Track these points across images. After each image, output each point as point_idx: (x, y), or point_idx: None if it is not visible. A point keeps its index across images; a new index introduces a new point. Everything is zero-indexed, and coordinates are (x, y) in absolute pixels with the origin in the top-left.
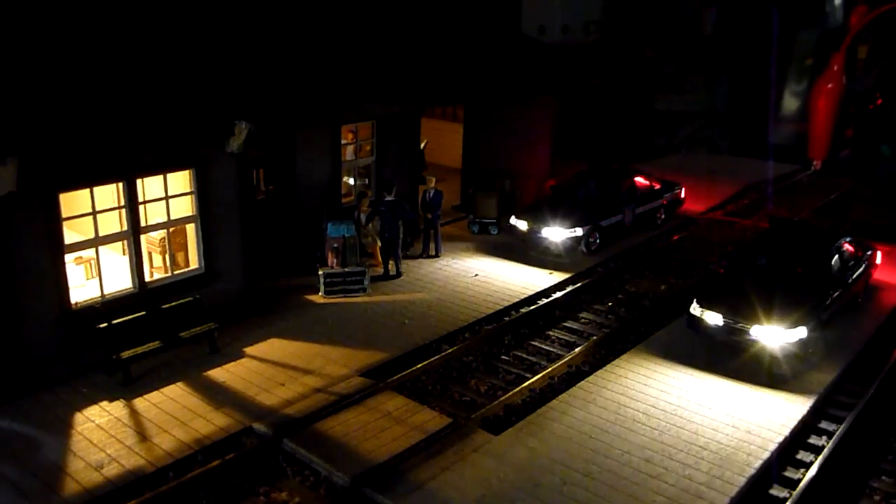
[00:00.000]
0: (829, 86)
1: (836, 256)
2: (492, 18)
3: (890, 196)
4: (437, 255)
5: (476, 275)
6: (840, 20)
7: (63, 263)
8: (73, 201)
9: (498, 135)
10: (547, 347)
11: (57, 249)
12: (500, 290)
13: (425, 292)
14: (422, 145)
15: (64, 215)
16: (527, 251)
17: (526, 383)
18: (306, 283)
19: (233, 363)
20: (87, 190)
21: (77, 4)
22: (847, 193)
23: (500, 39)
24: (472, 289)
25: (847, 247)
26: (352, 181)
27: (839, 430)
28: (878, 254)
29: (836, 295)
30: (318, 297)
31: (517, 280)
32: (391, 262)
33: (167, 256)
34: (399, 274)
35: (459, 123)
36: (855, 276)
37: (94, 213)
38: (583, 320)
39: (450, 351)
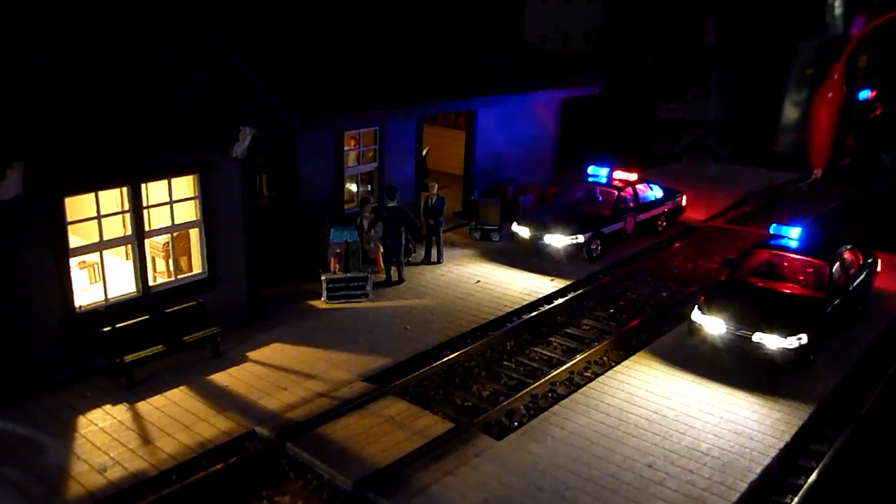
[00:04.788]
0: (830, 95)
1: (838, 264)
2: (494, 27)
3: (890, 205)
4: (439, 262)
5: (478, 281)
6: (840, 29)
7: (68, 267)
8: (78, 205)
9: (500, 141)
10: (549, 353)
11: (62, 253)
12: (501, 297)
13: (427, 298)
14: (424, 152)
15: (69, 219)
16: (528, 258)
17: (528, 389)
18: (309, 288)
19: (236, 367)
20: (92, 194)
21: (78, 8)
22: (848, 202)
23: (502, 48)
24: (474, 295)
25: (848, 255)
26: (354, 187)
27: (841, 436)
28: (880, 262)
29: (837, 302)
30: (321, 303)
31: (519, 286)
32: (393, 267)
33: (171, 261)
34: (401, 280)
35: (461, 130)
36: (856, 283)
37: (99, 217)
38: (585, 327)
39: (452, 356)
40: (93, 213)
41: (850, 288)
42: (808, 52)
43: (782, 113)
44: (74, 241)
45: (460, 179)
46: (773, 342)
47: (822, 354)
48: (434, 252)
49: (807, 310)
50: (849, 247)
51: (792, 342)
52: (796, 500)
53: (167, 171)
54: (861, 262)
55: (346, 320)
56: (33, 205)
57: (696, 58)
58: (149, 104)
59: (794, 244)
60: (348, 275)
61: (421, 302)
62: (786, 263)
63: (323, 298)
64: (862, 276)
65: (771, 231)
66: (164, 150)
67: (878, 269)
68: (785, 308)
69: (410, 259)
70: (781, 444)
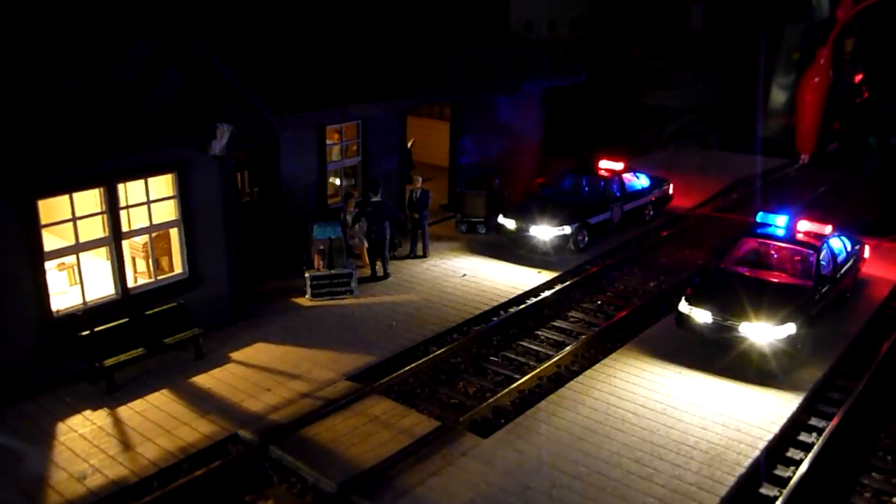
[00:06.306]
0: (816, 80)
1: (825, 252)
2: (478, 16)
3: (877, 190)
4: (424, 256)
5: (464, 275)
6: (826, 13)
7: (43, 271)
8: (54, 207)
9: (485, 132)
10: (536, 347)
11: (36, 257)
12: (488, 290)
13: (413, 293)
14: (409, 144)
15: (44, 221)
16: (515, 250)
17: (514, 384)
18: (293, 285)
19: (218, 369)
20: (67, 196)
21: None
22: (835, 187)
23: (486, 37)
24: (461, 289)
25: (835, 242)
26: (338, 182)
27: (829, 426)
28: (867, 248)
29: (824, 290)
30: (305, 300)
31: (505, 279)
32: (378, 263)
33: (150, 262)
34: (387, 275)
35: (447, 122)
36: (843, 271)
37: (74, 219)
38: (572, 319)
39: (438, 353)
40: (68, 215)
41: (838, 276)
42: (795, 36)
43: (770, 98)
44: (54, 242)
45: (446, 171)
46: (760, 332)
47: (809, 343)
48: (419, 246)
49: (794, 299)
50: (835, 234)
51: (780, 332)
52: (785, 492)
53: (143, 171)
54: (848, 249)
55: (331, 318)
56: (5, 208)
57: (683, 43)
58: (122, 103)
59: (780, 233)
60: (332, 271)
61: (406, 297)
62: (773, 252)
63: (307, 296)
64: (849, 264)
65: (757, 219)
66: (139, 150)
67: (866, 255)
68: (772, 297)
69: (396, 253)
70: (770, 436)
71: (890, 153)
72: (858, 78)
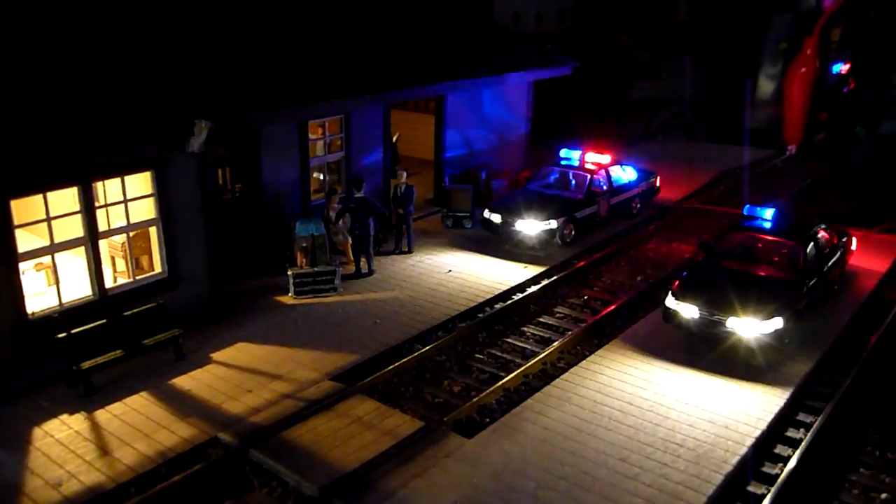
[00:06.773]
0: (803, 70)
1: (812, 245)
2: (464, 7)
3: (865, 180)
4: (409, 251)
5: (449, 271)
6: (813, 3)
7: (17, 272)
8: (29, 205)
9: (472, 126)
10: (522, 344)
11: (10, 258)
12: (474, 286)
13: (398, 290)
14: (394, 138)
15: (17, 222)
16: (501, 245)
17: (500, 383)
18: (275, 283)
19: (199, 370)
20: (41, 195)
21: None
22: (822, 178)
23: (471, 29)
24: (446, 285)
25: (822, 234)
26: (321, 177)
27: (817, 422)
28: (854, 240)
29: (811, 284)
30: (288, 298)
31: (491, 275)
32: (363, 259)
33: (129, 261)
34: (371, 272)
35: (432, 115)
36: (830, 263)
37: (49, 219)
38: (558, 315)
39: (422, 351)
40: (43, 215)
41: (825, 268)
42: (782, 25)
43: (757, 88)
44: (32, 241)
45: (432, 165)
46: (747, 327)
47: (797, 337)
48: (404, 242)
49: (781, 293)
50: (823, 226)
51: (767, 326)
52: (773, 490)
53: (119, 169)
54: (835, 241)
55: (314, 316)
56: None
57: (671, 34)
58: (96, 99)
59: (767, 225)
60: (315, 269)
61: (391, 294)
62: (760, 245)
63: (290, 294)
64: (836, 256)
65: (744, 212)
66: (114, 148)
67: (853, 247)
68: (759, 291)
69: (380, 250)
70: (757, 433)
71: (877, 143)
72: (845, 68)
